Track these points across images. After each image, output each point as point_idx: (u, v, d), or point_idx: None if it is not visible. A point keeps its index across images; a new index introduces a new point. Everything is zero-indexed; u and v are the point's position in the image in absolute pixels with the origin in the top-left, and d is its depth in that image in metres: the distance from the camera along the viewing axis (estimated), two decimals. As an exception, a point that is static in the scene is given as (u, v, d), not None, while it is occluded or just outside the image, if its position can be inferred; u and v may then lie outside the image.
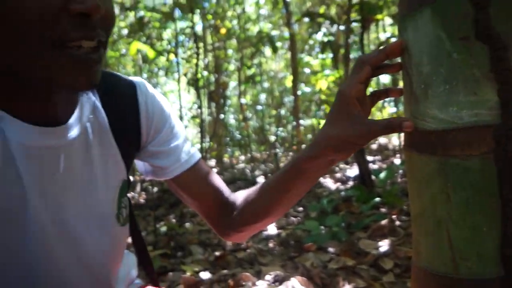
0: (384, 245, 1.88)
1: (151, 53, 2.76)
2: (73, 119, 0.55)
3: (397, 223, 2.18)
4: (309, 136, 7.83)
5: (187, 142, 0.70)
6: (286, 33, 6.11)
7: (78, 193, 0.58)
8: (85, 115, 0.57)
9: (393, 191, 2.65)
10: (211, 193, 0.71)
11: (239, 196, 0.71)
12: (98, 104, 0.60)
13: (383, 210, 2.51)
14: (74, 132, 0.55)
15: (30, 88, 0.49)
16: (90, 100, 0.59)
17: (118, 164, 0.63)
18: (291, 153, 5.84)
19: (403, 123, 0.47)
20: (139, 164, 0.73)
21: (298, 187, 0.62)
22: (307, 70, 6.18)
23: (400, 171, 3.49)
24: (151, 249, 2.30)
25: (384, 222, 2.16)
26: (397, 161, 4.33)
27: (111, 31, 0.49)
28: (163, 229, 2.78)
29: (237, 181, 4.41)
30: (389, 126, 0.50)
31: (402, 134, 0.51)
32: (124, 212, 0.65)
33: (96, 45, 0.45)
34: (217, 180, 0.73)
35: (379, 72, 0.55)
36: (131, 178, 0.73)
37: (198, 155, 0.71)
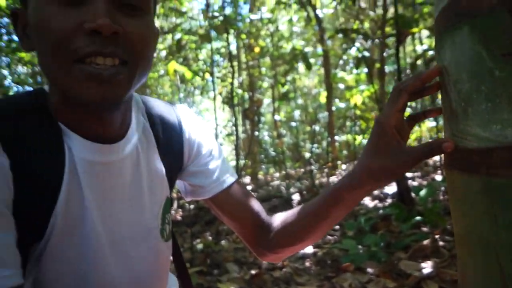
0: (427, 267, 1.79)
1: (188, 74, 2.86)
2: (126, 137, 0.60)
3: (441, 243, 2.07)
4: (344, 152, 7.69)
5: (226, 163, 0.74)
6: (319, 49, 6.12)
7: (128, 206, 0.62)
8: (136, 135, 0.62)
9: (435, 210, 2.52)
10: (248, 213, 0.73)
11: (277, 218, 0.72)
12: (148, 126, 0.65)
13: (424, 229, 2.40)
14: (126, 150, 0.60)
15: (81, 106, 0.53)
16: (141, 121, 0.64)
17: (162, 182, 0.67)
18: (326, 170, 5.75)
19: (443, 145, 0.46)
20: (179, 184, 0.76)
21: (335, 214, 0.63)
22: (341, 86, 6.13)
23: (442, 188, 3.33)
24: (188, 266, 2.32)
25: (426, 242, 2.06)
26: (438, 177, 4.14)
27: (139, 50, 0.50)
28: (200, 246, 2.81)
29: (272, 198, 4.39)
30: (429, 151, 0.49)
31: None
32: (167, 228, 0.69)
33: (113, 63, 0.48)
34: (254, 201, 0.74)
35: (417, 96, 0.55)
36: (169, 195, 0.77)
37: (235, 176, 0.73)
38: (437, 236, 2.16)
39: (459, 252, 0.48)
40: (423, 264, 1.83)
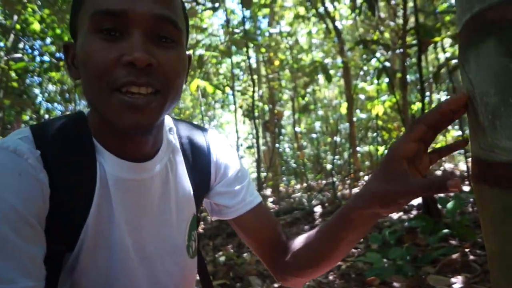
0: (457, 282, 1.72)
1: (210, 89, 2.92)
2: (157, 157, 0.64)
3: (472, 257, 1.99)
4: (367, 163, 7.57)
5: (251, 185, 0.77)
6: (339, 60, 6.12)
7: (155, 222, 0.65)
8: (166, 154, 0.67)
9: (464, 222, 2.43)
10: (268, 236, 0.75)
11: (295, 241, 0.73)
12: (177, 146, 0.70)
13: (452, 242, 2.32)
14: (156, 168, 0.64)
15: (117, 130, 0.57)
16: (171, 142, 0.69)
17: (189, 200, 0.70)
18: (348, 181, 5.67)
19: (448, 183, 0.44)
20: (206, 203, 0.80)
21: (347, 236, 0.62)
22: (362, 96, 6.08)
23: (471, 199, 3.22)
24: (211, 279, 2.32)
25: (455, 256, 1.98)
26: (466, 188, 4.00)
27: (170, 80, 0.55)
28: (222, 259, 2.81)
29: (294, 210, 4.36)
30: (430, 188, 0.47)
31: (470, 159, 0.49)
32: (193, 245, 0.72)
33: (146, 91, 0.52)
34: (275, 224, 0.77)
35: (442, 126, 0.53)
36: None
37: (260, 199, 0.76)
38: (467, 250, 2.08)
39: (492, 268, 0.47)
40: (453, 279, 1.77)
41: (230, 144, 0.79)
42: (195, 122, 0.81)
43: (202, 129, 0.77)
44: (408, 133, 0.53)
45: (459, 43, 0.51)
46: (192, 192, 0.70)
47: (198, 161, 0.72)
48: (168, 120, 0.71)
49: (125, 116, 0.52)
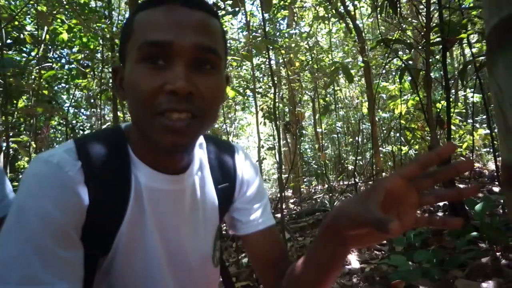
0: (488, 287, 1.67)
1: (231, 93, 2.95)
2: (188, 170, 0.69)
3: (503, 261, 1.93)
4: (389, 163, 7.42)
5: (267, 207, 0.80)
6: (360, 60, 6.04)
7: (185, 232, 0.69)
8: (196, 169, 0.72)
9: (494, 225, 2.35)
10: (273, 259, 0.77)
11: (292, 268, 0.73)
12: (206, 161, 0.75)
13: (482, 245, 2.25)
14: (188, 181, 0.69)
15: (157, 148, 0.62)
16: (201, 157, 0.74)
17: (215, 212, 0.75)
18: (370, 182, 5.58)
19: (388, 226, 0.43)
20: (225, 216, 0.83)
21: (320, 258, 0.61)
22: (383, 96, 5.97)
23: (501, 200, 3.10)
24: (234, 281, 2.35)
25: (485, 260, 1.92)
26: (495, 189, 3.86)
27: (208, 107, 0.59)
28: (245, 260, 2.83)
29: (316, 212, 4.33)
30: (376, 223, 0.46)
31: (500, 158, 0.47)
32: (217, 254, 0.77)
33: (185, 116, 0.56)
34: (282, 249, 0.79)
35: (447, 174, 0.51)
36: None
37: (273, 222, 0.79)
38: (498, 254, 2.01)
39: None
40: (483, 284, 1.71)
41: (254, 161, 0.83)
42: (223, 138, 0.87)
43: (230, 145, 0.82)
44: (400, 169, 0.53)
45: (487, 47, 0.51)
46: (217, 205, 0.75)
47: (225, 176, 0.77)
48: None
49: (166, 137, 0.57)
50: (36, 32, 3.89)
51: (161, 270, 0.66)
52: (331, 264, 0.61)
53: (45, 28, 3.63)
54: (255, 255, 0.78)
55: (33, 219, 0.52)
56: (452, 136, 3.63)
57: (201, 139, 0.76)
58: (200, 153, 0.74)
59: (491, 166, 5.02)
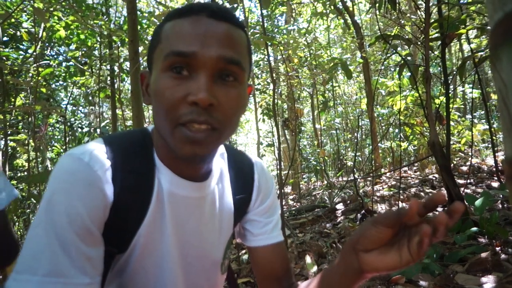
0: (488, 282, 1.68)
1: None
2: (209, 179, 0.71)
3: (503, 256, 1.93)
4: (388, 159, 7.44)
5: (278, 222, 0.82)
6: (359, 56, 6.03)
7: (200, 239, 0.71)
8: (216, 178, 0.74)
9: (494, 220, 2.36)
10: (277, 274, 0.79)
11: (301, 286, 0.75)
12: (226, 171, 0.77)
13: (481, 241, 2.25)
14: (208, 189, 0.71)
15: (177, 157, 0.63)
16: (222, 167, 0.76)
17: (230, 221, 0.77)
18: (370, 178, 5.59)
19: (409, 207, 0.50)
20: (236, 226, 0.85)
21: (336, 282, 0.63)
22: (382, 92, 5.97)
23: (501, 195, 3.11)
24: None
25: (485, 255, 1.93)
26: (494, 184, 3.88)
27: (228, 119, 0.60)
28: (245, 257, 2.84)
29: (315, 208, 4.34)
30: (396, 214, 0.52)
31: (499, 153, 0.48)
32: (226, 262, 0.78)
33: (204, 128, 0.58)
34: (288, 267, 0.81)
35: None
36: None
37: (282, 238, 0.81)
38: (498, 249, 2.02)
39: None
40: (483, 279, 1.72)
41: (270, 174, 0.85)
42: (244, 151, 0.88)
43: (249, 157, 0.85)
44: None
45: (490, 41, 0.50)
46: (233, 214, 0.77)
47: (243, 187, 0.78)
48: (220, 146, 0.76)
49: (185, 147, 0.58)
50: (33, 30, 3.87)
51: (173, 273, 0.68)
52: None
53: (42, 25, 3.61)
54: (260, 267, 0.80)
55: (61, 214, 0.55)
56: (451, 132, 3.63)
57: (222, 149, 0.78)
58: (221, 162, 0.76)
59: (490, 161, 5.03)
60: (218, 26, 0.59)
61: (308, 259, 2.51)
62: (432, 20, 2.67)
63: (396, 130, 6.00)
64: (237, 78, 0.61)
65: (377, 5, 3.28)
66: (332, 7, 5.49)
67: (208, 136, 0.58)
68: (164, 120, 0.59)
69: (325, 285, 0.65)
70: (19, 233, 5.66)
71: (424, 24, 2.56)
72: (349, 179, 5.45)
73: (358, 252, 0.57)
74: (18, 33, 4.16)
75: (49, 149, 6.53)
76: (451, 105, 3.13)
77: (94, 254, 0.57)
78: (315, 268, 2.37)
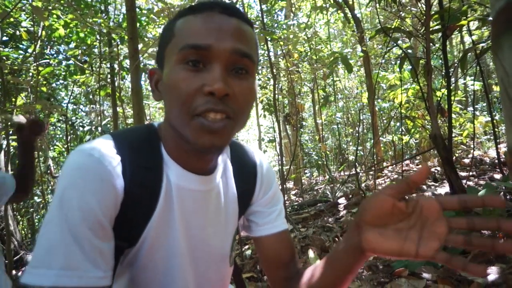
0: (492, 273, 1.68)
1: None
2: (215, 172, 0.72)
3: (505, 247, 1.93)
4: (390, 153, 7.43)
5: (282, 211, 0.84)
6: (359, 50, 6.01)
7: (208, 231, 0.72)
8: (220, 171, 0.75)
9: (496, 212, 2.36)
10: (284, 262, 0.81)
11: (306, 273, 0.77)
12: (229, 164, 0.78)
13: (484, 232, 2.25)
14: (214, 182, 0.72)
15: (194, 149, 0.65)
16: (225, 161, 0.78)
17: (235, 214, 0.78)
18: (372, 172, 5.59)
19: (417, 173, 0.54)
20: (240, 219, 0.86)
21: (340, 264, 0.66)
22: (383, 85, 5.95)
23: (503, 187, 3.10)
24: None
25: (487, 246, 1.93)
26: (496, 176, 3.87)
27: (242, 109, 0.62)
28: (248, 252, 2.85)
29: (318, 203, 4.35)
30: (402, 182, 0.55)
31: (501, 145, 0.48)
32: (233, 254, 0.80)
33: (220, 117, 0.59)
34: (293, 254, 0.82)
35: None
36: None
37: (286, 226, 0.83)
38: (501, 240, 2.02)
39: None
40: (486, 270, 1.72)
41: (271, 167, 0.87)
42: (245, 143, 0.89)
43: (251, 150, 0.86)
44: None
45: (492, 30, 0.50)
46: (237, 207, 0.78)
47: (246, 179, 0.80)
48: None
49: (203, 138, 0.59)
50: (32, 29, 3.86)
51: (182, 266, 0.69)
52: (349, 269, 0.65)
53: (41, 24, 3.60)
54: (266, 256, 0.82)
55: (74, 209, 0.55)
56: (453, 124, 3.62)
57: None
58: (224, 155, 0.78)
59: (492, 153, 5.02)
60: (230, 21, 0.61)
61: (311, 254, 2.52)
62: (433, 12, 2.65)
63: (398, 124, 5.99)
64: (249, 71, 0.63)
65: (377, -2, 3.26)
66: (332, 1, 5.46)
67: (224, 125, 0.60)
68: (179, 112, 0.60)
69: (328, 265, 0.68)
70: (23, 232, 5.68)
71: (424, 16, 2.55)
72: (351, 173, 5.45)
73: (361, 227, 0.60)
74: (18, 33, 4.15)
75: (51, 148, 6.55)
76: (452, 98, 3.11)
77: (106, 249, 0.59)
78: (318, 262, 2.38)
